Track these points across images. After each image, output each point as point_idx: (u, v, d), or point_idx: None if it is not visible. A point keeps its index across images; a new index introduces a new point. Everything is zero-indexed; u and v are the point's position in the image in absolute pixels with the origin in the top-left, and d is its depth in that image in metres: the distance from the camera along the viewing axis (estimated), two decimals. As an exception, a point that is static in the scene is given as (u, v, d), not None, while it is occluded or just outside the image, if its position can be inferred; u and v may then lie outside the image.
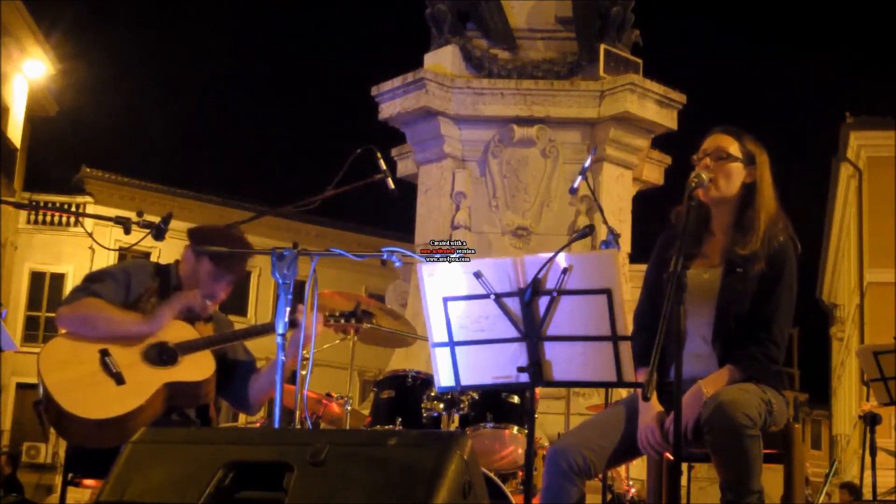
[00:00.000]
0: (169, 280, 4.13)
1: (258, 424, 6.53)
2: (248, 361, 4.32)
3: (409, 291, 8.69)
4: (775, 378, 3.45)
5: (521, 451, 4.71)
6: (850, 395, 28.42)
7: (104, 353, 3.83)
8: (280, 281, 3.44)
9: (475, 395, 4.68)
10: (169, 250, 23.72)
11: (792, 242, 3.53)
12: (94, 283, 4.04)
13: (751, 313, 3.44)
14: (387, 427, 4.70)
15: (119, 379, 3.78)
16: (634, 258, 8.67)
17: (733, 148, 3.53)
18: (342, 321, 4.45)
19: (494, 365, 3.13)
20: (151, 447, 2.70)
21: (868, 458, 7.19)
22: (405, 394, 4.78)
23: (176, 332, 3.96)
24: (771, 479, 3.36)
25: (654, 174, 9.41)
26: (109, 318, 3.91)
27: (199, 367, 3.91)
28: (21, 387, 27.62)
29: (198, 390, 3.92)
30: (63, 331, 3.96)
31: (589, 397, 7.43)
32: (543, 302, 3.04)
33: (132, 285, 4.06)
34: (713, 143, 3.54)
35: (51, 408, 3.75)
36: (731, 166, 3.51)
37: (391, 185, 4.50)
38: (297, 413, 4.20)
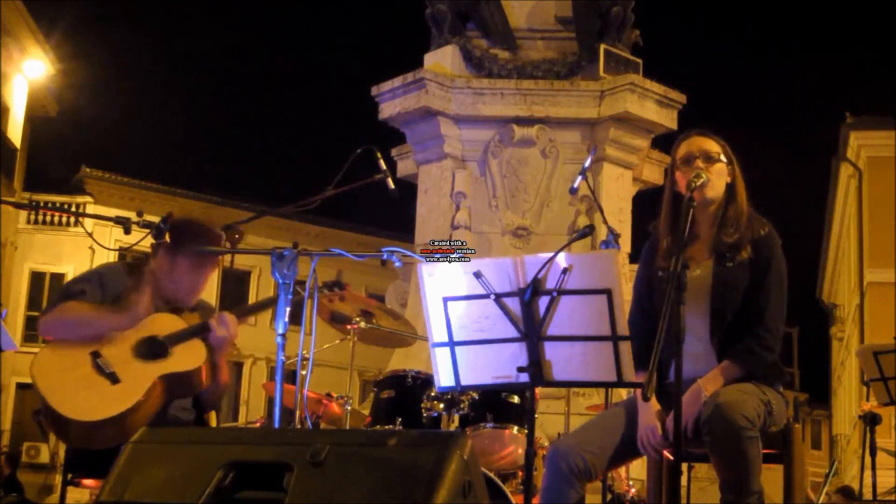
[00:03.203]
0: (142, 276, 4.13)
1: (258, 424, 6.53)
2: None
3: (409, 291, 8.68)
4: (772, 370, 3.47)
5: (521, 451, 4.71)
6: (850, 395, 28.43)
7: (95, 355, 3.83)
8: (280, 281, 3.45)
9: (475, 395, 4.68)
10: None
11: (775, 234, 3.58)
12: (68, 289, 4.06)
13: (744, 306, 3.46)
14: (387, 427, 4.70)
15: (113, 378, 3.79)
16: (634, 258, 8.66)
17: (717, 149, 3.57)
18: (324, 291, 4.38)
19: (494, 365, 3.13)
20: (151, 447, 2.70)
21: (868, 458, 7.19)
22: (405, 394, 4.78)
23: (164, 324, 3.97)
24: (771, 479, 3.36)
25: (654, 174, 9.40)
26: (90, 317, 3.91)
27: (190, 356, 3.92)
28: (21, 387, 27.61)
29: (192, 378, 3.93)
30: (49, 340, 3.96)
31: (589, 397, 7.43)
32: (543, 302, 3.04)
33: (106, 286, 4.06)
34: (698, 145, 3.57)
35: (50, 416, 3.76)
36: (719, 167, 3.56)
37: (391, 185, 4.50)
38: (297, 413, 4.20)
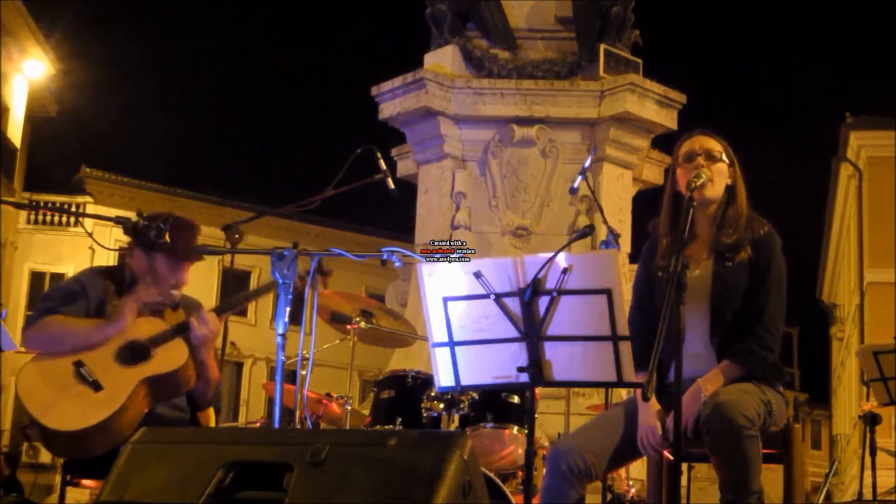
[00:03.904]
0: (123, 278, 4.10)
1: (258, 424, 6.53)
2: None
3: (409, 291, 8.68)
4: (772, 369, 3.47)
5: (521, 451, 4.71)
6: (850, 395, 28.42)
7: (78, 365, 3.83)
8: (280, 281, 3.44)
9: (475, 395, 4.68)
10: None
11: (775, 234, 3.58)
12: (50, 300, 4.04)
13: (744, 306, 3.47)
14: (387, 427, 4.70)
15: (97, 386, 3.79)
16: (634, 258, 8.65)
17: (719, 149, 3.58)
18: (305, 278, 4.35)
19: (494, 365, 3.13)
20: (151, 447, 2.70)
21: (868, 458, 7.19)
22: (405, 394, 4.78)
23: (145, 327, 3.95)
24: (771, 479, 3.36)
25: (654, 174, 9.40)
26: (75, 331, 3.90)
27: (172, 356, 3.91)
28: (21, 387, 27.54)
29: (177, 378, 3.92)
30: (32, 355, 3.95)
31: (589, 397, 7.43)
32: (543, 302, 3.04)
33: (89, 293, 4.03)
34: (701, 143, 3.58)
35: (38, 430, 3.77)
36: (720, 167, 3.56)
37: (391, 185, 4.49)
38: (297, 413, 4.20)
